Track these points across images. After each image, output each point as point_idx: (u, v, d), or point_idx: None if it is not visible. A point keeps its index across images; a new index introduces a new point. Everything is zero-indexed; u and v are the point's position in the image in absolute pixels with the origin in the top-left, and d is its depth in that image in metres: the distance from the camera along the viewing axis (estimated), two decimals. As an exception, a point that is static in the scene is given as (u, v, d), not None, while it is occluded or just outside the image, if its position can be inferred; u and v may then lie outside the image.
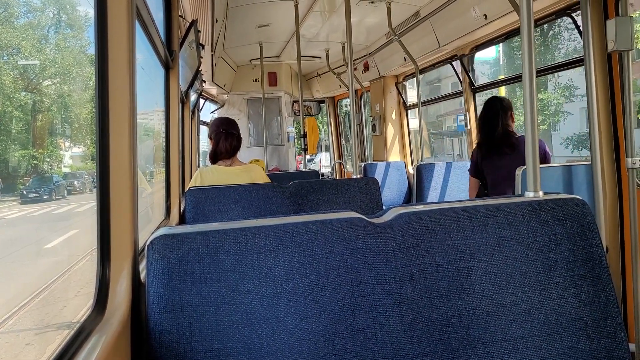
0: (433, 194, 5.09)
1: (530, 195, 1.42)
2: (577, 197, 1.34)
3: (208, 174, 3.07)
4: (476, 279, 1.23)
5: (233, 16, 4.96)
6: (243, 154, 7.51)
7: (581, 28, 2.86)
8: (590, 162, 3.13)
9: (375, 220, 1.27)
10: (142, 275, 1.22)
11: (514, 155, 3.52)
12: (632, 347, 2.57)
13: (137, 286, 1.20)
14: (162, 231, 1.17)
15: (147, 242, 1.15)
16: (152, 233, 1.20)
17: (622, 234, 3.16)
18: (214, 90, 7.28)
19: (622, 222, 3.14)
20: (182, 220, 2.82)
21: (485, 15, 4.05)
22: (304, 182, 2.90)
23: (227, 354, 1.09)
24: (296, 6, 4.74)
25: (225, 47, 6.29)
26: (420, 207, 1.30)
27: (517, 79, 4.49)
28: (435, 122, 25.65)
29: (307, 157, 8.91)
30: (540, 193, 1.42)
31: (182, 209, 2.99)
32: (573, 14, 3.52)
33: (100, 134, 1.11)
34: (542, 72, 4.13)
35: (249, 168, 3.17)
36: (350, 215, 1.26)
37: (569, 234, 1.28)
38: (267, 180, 3.20)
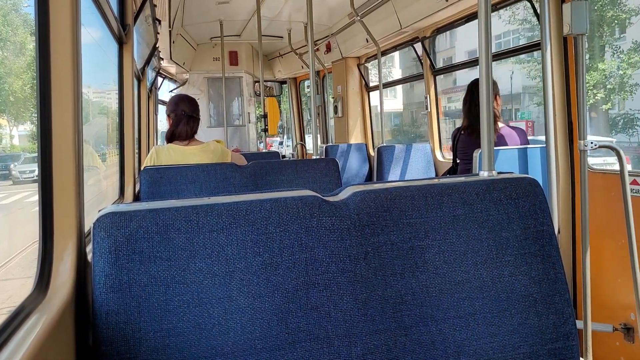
0: (393, 176, 5.13)
1: (484, 174, 1.43)
2: (529, 176, 1.35)
3: (164, 153, 2.99)
4: (430, 257, 1.23)
5: None
6: (203, 134, 7.40)
7: (538, 11, 2.90)
8: (545, 145, 3.20)
9: (330, 199, 1.26)
10: (90, 255, 1.18)
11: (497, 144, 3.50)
12: (579, 324, 2.66)
13: (82, 266, 1.16)
14: (109, 209, 1.13)
15: (94, 220, 1.11)
16: (99, 210, 1.15)
17: (574, 215, 3.26)
18: (173, 69, 7.11)
19: (573, 204, 3.24)
20: (137, 200, 2.75)
21: (446, -3, 4.06)
22: (263, 162, 2.87)
23: (176, 333, 1.07)
24: None
25: (185, 23, 6.13)
26: (376, 186, 1.29)
27: (475, 62, 4.54)
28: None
29: (277, 139, 8.84)
30: (494, 172, 1.43)
31: (137, 189, 2.91)
32: (531, -2, 3.57)
33: (41, 107, 1.05)
34: (498, 55, 4.19)
35: (207, 147, 3.10)
36: (305, 194, 1.24)
37: (521, 213, 1.29)
38: (228, 153, 3.15)
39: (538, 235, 1.29)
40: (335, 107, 7.07)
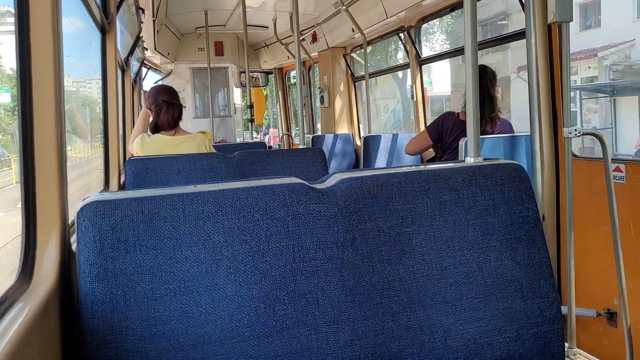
0: (379, 165, 5.14)
1: (470, 160, 1.44)
2: (515, 162, 1.36)
3: (149, 142, 2.96)
4: (417, 243, 1.24)
5: None
6: (189, 125, 7.39)
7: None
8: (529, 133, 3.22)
9: (317, 186, 1.25)
10: (75, 245, 1.16)
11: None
12: (564, 309, 2.70)
13: (67, 255, 1.15)
14: (94, 197, 1.12)
15: (78, 209, 1.09)
16: (83, 199, 1.14)
17: (559, 202, 3.29)
18: (157, 59, 7.04)
19: (558, 191, 3.27)
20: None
21: (431, -14, 4.06)
22: (250, 152, 2.86)
23: (163, 322, 1.06)
24: None
25: (169, 13, 6.06)
26: (362, 173, 1.29)
27: (461, 51, 4.55)
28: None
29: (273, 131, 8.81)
30: (480, 159, 1.44)
31: (122, 180, 2.89)
32: (516, -13, 3.57)
33: (21, 96, 1.03)
34: (484, 44, 4.20)
35: (193, 137, 3.08)
36: (292, 181, 1.23)
37: (507, 199, 1.30)
38: (212, 150, 3.12)
39: (523, 220, 1.30)
40: (322, 98, 7.05)
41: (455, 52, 4.96)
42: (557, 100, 3.02)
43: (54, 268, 1.08)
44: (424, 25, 5.06)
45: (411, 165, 1.39)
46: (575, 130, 2.47)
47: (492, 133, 3.49)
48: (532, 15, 2.91)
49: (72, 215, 1.23)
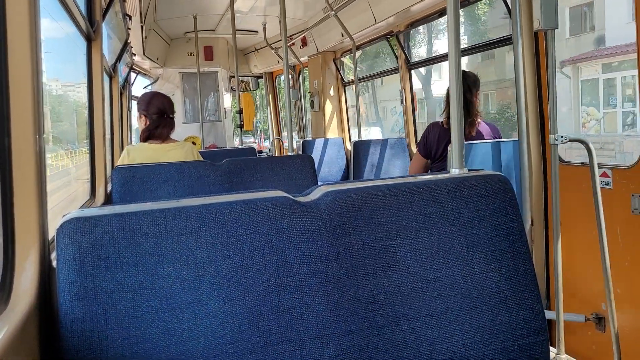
0: (369, 170, 5.14)
1: (455, 172, 1.43)
2: (500, 173, 1.36)
3: (137, 153, 2.93)
4: (402, 256, 1.23)
5: None
6: (179, 129, 7.33)
7: (510, 6, 2.92)
8: (518, 139, 3.24)
9: (301, 199, 1.25)
10: (55, 262, 1.15)
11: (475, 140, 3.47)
12: (552, 314, 2.70)
13: (47, 273, 1.13)
14: (74, 214, 1.10)
15: (57, 227, 1.08)
16: (63, 216, 1.13)
17: (547, 207, 3.31)
18: (146, 64, 7.00)
19: (546, 197, 3.28)
20: (109, 201, 2.70)
21: (420, -8, 4.07)
22: (238, 159, 2.85)
23: (145, 340, 1.05)
24: None
25: (157, 18, 6.04)
26: (347, 185, 1.28)
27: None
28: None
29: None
30: (465, 170, 1.44)
31: (109, 189, 2.86)
32: (503, -7, 3.59)
33: None
34: (468, 50, 4.21)
35: (181, 145, 3.06)
36: (275, 194, 1.23)
37: (491, 210, 1.30)
38: (200, 158, 3.11)
39: (508, 232, 1.30)
40: (312, 102, 7.05)
41: (443, 58, 4.97)
42: (545, 106, 3.04)
43: (33, 286, 1.06)
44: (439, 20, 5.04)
45: (396, 177, 1.39)
46: (562, 137, 2.49)
47: (472, 137, 3.49)
48: (518, 22, 2.93)
49: (53, 230, 1.22)
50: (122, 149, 4.98)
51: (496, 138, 3.57)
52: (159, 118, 2.98)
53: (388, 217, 1.24)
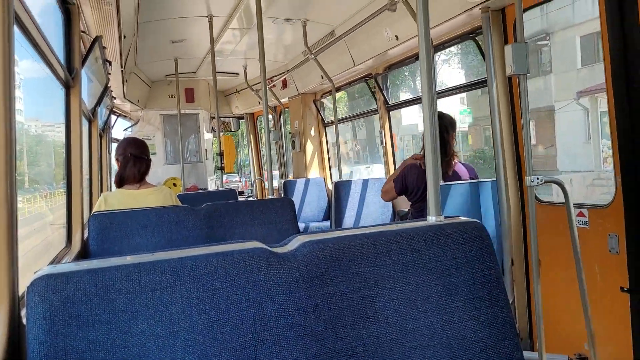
0: (351, 210, 5.15)
1: (432, 219, 1.44)
2: (476, 220, 1.37)
3: (113, 199, 2.90)
4: (380, 306, 1.22)
5: (145, 31, 4.80)
6: (160, 171, 7.34)
7: (484, 52, 3.01)
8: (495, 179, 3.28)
9: (278, 250, 1.24)
10: (24, 319, 1.11)
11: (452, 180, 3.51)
12: (535, 355, 2.69)
13: (16, 332, 1.10)
14: (45, 270, 1.08)
15: (28, 284, 1.05)
16: (35, 272, 1.10)
17: (526, 246, 3.33)
18: (127, 107, 7.01)
19: (526, 236, 3.31)
20: (86, 248, 2.65)
21: (396, 36, 4.18)
22: (218, 204, 2.83)
23: None
24: (210, 23, 4.68)
25: (138, 62, 6.09)
26: (324, 235, 1.28)
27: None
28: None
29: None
30: (442, 217, 1.45)
31: (85, 236, 2.82)
32: (477, 38, 3.70)
33: None
34: (443, 92, 4.31)
35: (159, 190, 3.04)
36: (252, 246, 1.22)
37: (469, 258, 1.31)
38: (179, 203, 3.09)
39: (486, 279, 1.30)
40: (293, 142, 7.10)
41: (418, 100, 5.07)
42: (521, 148, 3.10)
43: (1, 346, 1.03)
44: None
45: (373, 226, 1.39)
46: (538, 178, 2.53)
47: (449, 177, 3.53)
48: (492, 67, 3.01)
49: (25, 283, 1.19)
50: (101, 193, 4.93)
51: (473, 178, 3.61)
52: (128, 158, 3.00)
53: (366, 267, 1.24)
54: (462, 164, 3.71)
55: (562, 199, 2.62)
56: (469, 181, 3.42)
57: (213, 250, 1.19)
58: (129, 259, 1.14)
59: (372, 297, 1.22)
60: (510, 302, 3.34)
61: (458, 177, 3.53)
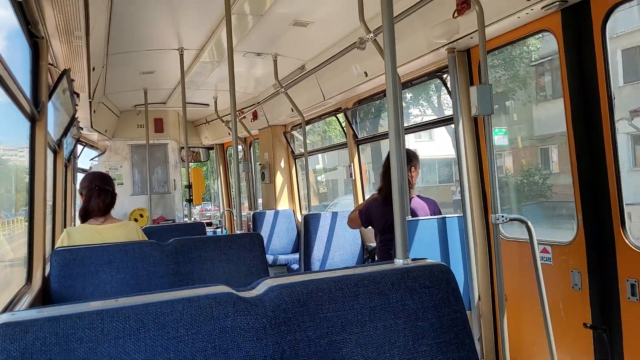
0: (320, 243, 5.14)
1: (399, 262, 1.45)
2: (442, 263, 1.39)
3: (76, 235, 2.83)
4: (347, 351, 1.21)
5: (114, 63, 4.78)
6: (126, 202, 7.21)
7: (450, 92, 3.09)
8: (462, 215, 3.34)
9: (246, 294, 1.23)
10: None
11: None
12: None
13: None
14: (3, 318, 1.04)
15: None
16: None
17: (492, 282, 3.37)
18: (94, 136, 6.91)
19: (492, 271, 3.36)
20: (47, 286, 2.57)
21: (365, 72, 4.26)
22: (185, 239, 2.79)
23: None
24: (181, 55, 4.69)
25: (107, 92, 6.04)
26: (292, 279, 1.28)
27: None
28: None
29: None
30: (409, 260, 1.46)
31: (47, 272, 2.73)
32: (444, 76, 3.80)
33: None
34: (411, 128, 4.39)
35: (124, 224, 2.98)
36: (219, 290, 1.20)
37: (435, 301, 1.32)
38: (144, 237, 3.03)
39: (452, 322, 1.31)
40: (263, 174, 7.09)
41: (385, 135, 5.15)
42: (487, 186, 3.16)
43: None
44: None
45: (341, 269, 1.39)
46: (503, 216, 2.58)
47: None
48: (458, 106, 3.09)
49: None
50: (66, 226, 4.81)
51: (434, 212, 3.66)
52: (93, 190, 2.95)
53: (333, 312, 1.23)
54: (423, 198, 3.75)
55: (525, 236, 2.68)
56: (436, 217, 3.46)
57: (179, 296, 1.17)
58: (91, 305, 1.11)
59: (340, 342, 1.21)
60: (477, 338, 3.38)
61: (414, 213, 3.56)
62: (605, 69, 2.54)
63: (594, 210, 2.65)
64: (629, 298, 2.50)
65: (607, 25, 2.53)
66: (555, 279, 2.89)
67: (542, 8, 2.60)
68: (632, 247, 2.48)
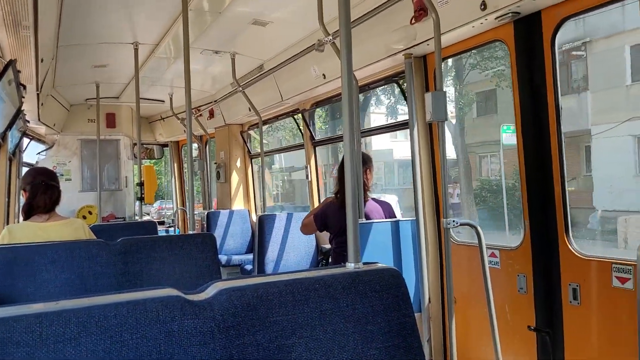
0: (274, 244, 5.12)
1: (351, 266, 1.45)
2: (393, 268, 1.40)
3: (18, 232, 2.71)
4: (296, 355, 1.21)
5: (65, 55, 4.62)
6: (75, 198, 6.98)
7: (407, 98, 3.13)
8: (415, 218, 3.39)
9: (194, 298, 1.20)
10: None
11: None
12: None
13: None
14: None
15: None
16: None
17: (443, 285, 3.44)
18: (42, 130, 6.66)
19: (442, 274, 3.43)
20: None
21: (324, 75, 4.26)
22: (134, 239, 2.71)
23: None
24: (136, 50, 4.58)
25: (57, 85, 5.83)
26: (242, 282, 1.26)
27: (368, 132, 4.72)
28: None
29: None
30: (360, 264, 1.46)
31: None
32: (401, 82, 3.85)
33: None
34: (367, 131, 4.43)
35: (70, 222, 2.88)
36: (166, 293, 1.17)
37: (385, 305, 1.32)
38: (92, 236, 2.93)
39: (401, 327, 1.33)
40: (218, 173, 7.01)
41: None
42: (439, 191, 3.22)
43: None
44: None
45: (292, 272, 1.38)
46: (454, 220, 2.64)
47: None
48: (414, 111, 3.14)
49: None
50: (8, 223, 4.61)
51: (388, 215, 3.68)
52: (37, 186, 2.83)
53: (284, 315, 1.22)
54: (378, 200, 3.77)
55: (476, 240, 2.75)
56: (388, 220, 3.50)
57: (124, 299, 1.13)
58: (30, 308, 1.06)
59: (289, 346, 1.21)
60: (427, 339, 3.43)
61: (368, 216, 3.58)
62: (554, 79, 2.63)
63: (541, 217, 2.74)
64: (570, 302, 2.59)
65: (557, 37, 2.63)
66: (503, 283, 2.98)
67: (495, 18, 2.67)
68: (575, 253, 2.58)
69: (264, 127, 5.96)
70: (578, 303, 2.56)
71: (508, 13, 2.60)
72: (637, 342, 1.95)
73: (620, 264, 2.35)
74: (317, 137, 5.39)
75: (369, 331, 1.29)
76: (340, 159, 3.83)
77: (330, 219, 3.68)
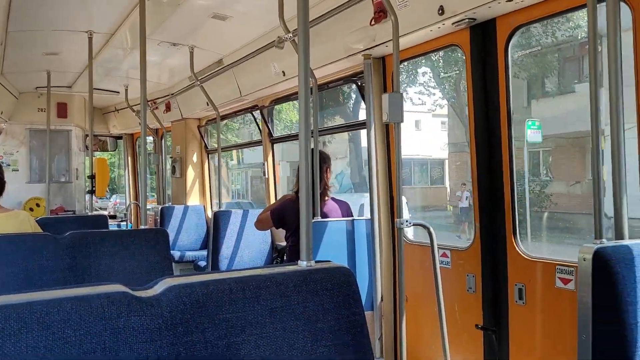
0: (229, 240, 5.07)
1: (303, 264, 1.46)
2: (345, 266, 1.41)
3: None
4: (246, 353, 1.20)
5: (14, 41, 4.45)
6: (22, 190, 6.73)
7: (365, 99, 3.16)
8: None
9: (141, 294, 1.18)
10: None
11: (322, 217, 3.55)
12: None
13: None
14: None
15: None
16: None
17: (395, 283, 3.49)
18: None
19: (395, 273, 3.48)
20: None
21: (283, 72, 4.25)
22: (83, 232, 2.64)
23: None
24: (90, 39, 4.44)
25: (5, 71, 5.60)
26: (192, 279, 1.24)
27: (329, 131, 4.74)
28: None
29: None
30: (313, 262, 1.47)
31: None
32: (359, 82, 3.88)
33: None
34: (325, 130, 4.45)
35: (14, 215, 2.77)
36: (112, 289, 1.15)
37: (336, 303, 1.33)
38: (37, 229, 2.84)
39: (350, 325, 1.34)
40: (173, 167, 6.89)
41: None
42: (394, 191, 3.26)
43: None
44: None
45: (244, 270, 1.37)
46: (407, 221, 2.68)
47: (322, 211, 3.60)
48: (371, 112, 3.17)
49: None
50: None
51: (346, 215, 3.71)
52: None
53: (233, 313, 1.22)
54: (336, 200, 3.80)
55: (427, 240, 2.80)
56: (344, 219, 3.52)
57: (68, 294, 1.10)
58: None
59: (238, 344, 1.20)
60: (378, 337, 3.48)
61: (326, 216, 3.60)
62: (506, 85, 2.70)
63: (491, 218, 2.82)
64: (516, 301, 2.68)
65: (510, 44, 2.70)
66: (453, 282, 3.04)
67: (452, 24, 2.72)
68: (522, 254, 2.66)
69: (224, 122, 5.89)
70: (523, 303, 2.64)
71: (465, 19, 2.66)
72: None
73: (564, 265, 2.44)
74: (275, 134, 5.38)
75: (319, 329, 1.30)
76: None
77: (288, 216, 3.67)
